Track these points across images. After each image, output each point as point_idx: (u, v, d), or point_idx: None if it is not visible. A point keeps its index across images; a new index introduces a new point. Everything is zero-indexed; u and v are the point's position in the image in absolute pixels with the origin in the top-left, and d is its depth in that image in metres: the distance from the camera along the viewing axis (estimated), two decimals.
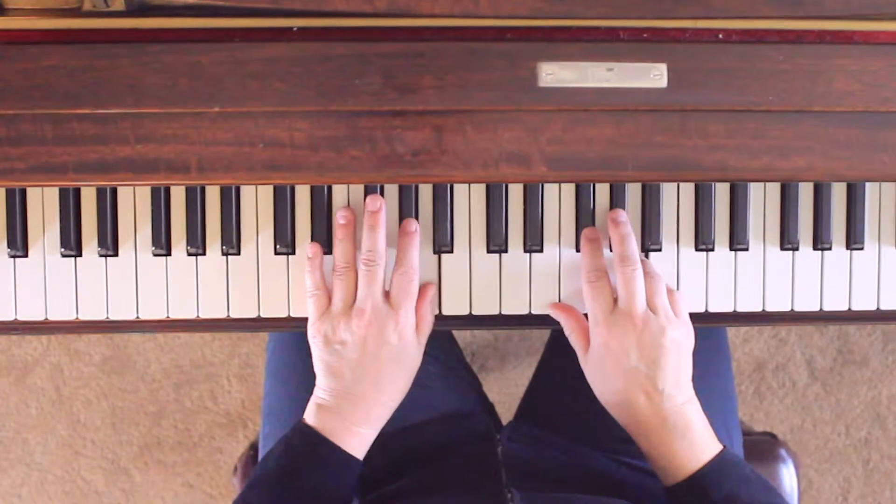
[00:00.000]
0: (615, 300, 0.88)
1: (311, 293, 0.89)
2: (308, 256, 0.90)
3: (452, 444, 1.03)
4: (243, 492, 0.86)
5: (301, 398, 1.00)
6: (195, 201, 0.91)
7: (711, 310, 0.94)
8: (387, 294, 0.89)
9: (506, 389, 1.79)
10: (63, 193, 0.91)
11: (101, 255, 0.92)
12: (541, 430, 1.05)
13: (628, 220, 0.91)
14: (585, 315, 0.91)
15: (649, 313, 0.87)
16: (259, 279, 0.92)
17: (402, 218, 0.91)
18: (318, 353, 0.88)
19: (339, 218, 0.90)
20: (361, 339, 0.86)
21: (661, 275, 0.89)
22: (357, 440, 0.87)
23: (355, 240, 0.90)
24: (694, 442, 0.86)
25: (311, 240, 0.92)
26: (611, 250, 0.91)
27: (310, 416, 0.87)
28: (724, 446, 0.88)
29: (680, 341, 0.87)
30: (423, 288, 0.91)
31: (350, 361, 0.86)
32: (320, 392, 0.88)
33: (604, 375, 0.88)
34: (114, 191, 0.91)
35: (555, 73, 0.82)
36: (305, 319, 0.91)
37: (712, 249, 0.94)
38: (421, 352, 0.90)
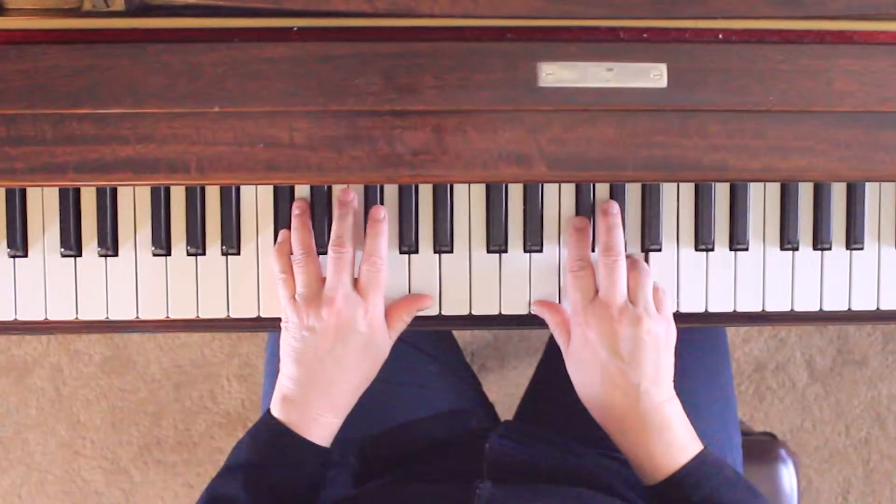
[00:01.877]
0: (598, 290, 0.88)
1: (278, 277, 0.89)
2: (279, 241, 0.91)
3: (445, 440, 1.03)
4: (213, 481, 0.86)
5: None
6: (195, 201, 0.91)
7: (711, 310, 0.94)
8: (356, 282, 0.89)
9: (505, 389, 1.79)
10: (63, 193, 0.91)
11: (100, 255, 0.92)
12: (536, 428, 1.05)
13: (618, 212, 0.91)
14: None
15: (629, 304, 0.86)
16: (259, 279, 0.92)
17: (402, 218, 0.92)
18: (286, 339, 0.88)
19: (295, 208, 0.90)
20: (330, 327, 0.86)
21: (649, 271, 0.89)
22: (322, 429, 0.87)
23: (310, 228, 0.90)
24: (671, 442, 0.85)
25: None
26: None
27: (275, 408, 0.87)
28: (705, 447, 0.87)
29: (659, 335, 0.86)
30: (422, 296, 0.91)
31: (317, 349, 0.86)
32: (285, 380, 0.87)
33: (582, 368, 0.88)
34: (114, 191, 0.91)
35: (555, 73, 0.82)
36: None
37: (712, 249, 0.94)
38: (389, 345, 0.90)
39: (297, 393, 0.87)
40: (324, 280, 0.88)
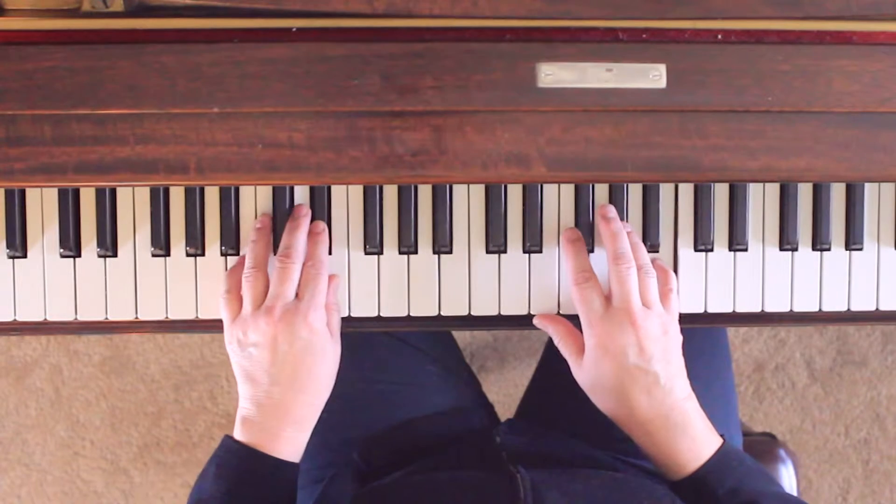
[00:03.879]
0: (606, 298, 0.88)
1: (221, 296, 0.89)
2: (236, 263, 0.90)
3: (450, 436, 1.03)
4: None
5: None
6: (194, 202, 0.91)
7: (711, 310, 0.94)
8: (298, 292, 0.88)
9: (505, 390, 1.79)
10: (62, 194, 0.91)
11: (100, 256, 0.92)
12: (538, 427, 1.05)
13: (617, 215, 0.91)
14: (569, 317, 0.91)
15: (645, 310, 0.87)
16: None
17: (401, 218, 0.92)
18: (234, 359, 0.87)
19: (257, 222, 0.90)
20: (272, 338, 0.85)
21: (653, 272, 0.89)
22: (287, 445, 0.86)
23: (269, 245, 0.90)
24: (696, 438, 0.86)
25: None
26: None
27: (237, 431, 0.86)
28: (724, 438, 0.88)
29: (674, 336, 0.87)
30: (330, 276, 0.90)
31: (264, 362, 0.85)
32: (242, 402, 0.87)
33: (601, 378, 0.87)
34: (113, 191, 0.91)
35: (554, 74, 0.82)
36: None
37: (711, 250, 0.94)
38: (337, 345, 0.89)
39: (256, 412, 0.86)
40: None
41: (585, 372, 0.89)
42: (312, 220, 0.91)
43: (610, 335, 0.86)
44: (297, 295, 0.87)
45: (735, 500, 0.84)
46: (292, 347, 0.85)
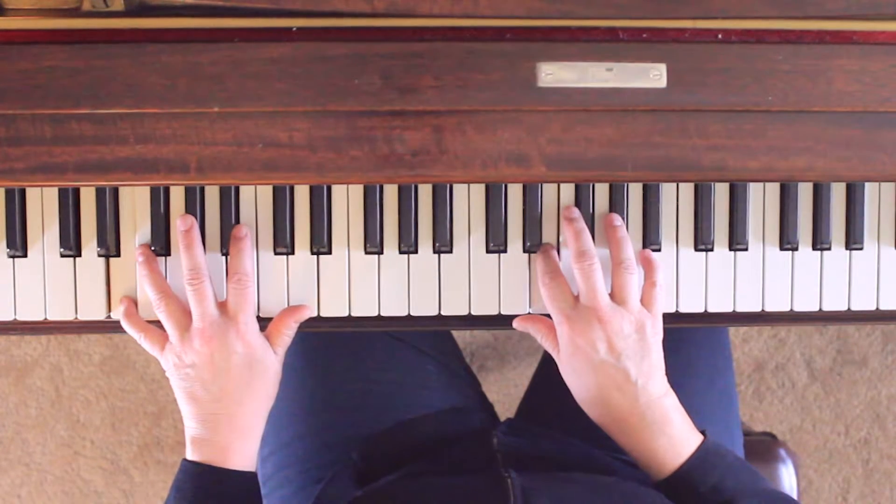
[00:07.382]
0: (577, 297, 0.88)
1: (140, 338, 0.90)
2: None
3: (449, 437, 1.03)
4: None
5: (297, 397, 1.00)
6: (194, 201, 0.91)
7: (711, 310, 0.94)
8: (224, 304, 0.88)
9: (505, 389, 1.79)
10: (62, 193, 0.91)
11: (100, 255, 0.92)
12: (538, 426, 1.05)
13: (580, 215, 0.91)
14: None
15: (613, 305, 0.87)
16: (259, 280, 0.92)
17: (401, 218, 0.92)
18: (174, 383, 0.88)
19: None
20: (208, 356, 0.86)
21: (633, 269, 0.89)
22: (239, 457, 0.87)
23: (158, 271, 0.90)
24: (674, 437, 0.86)
25: (311, 241, 0.92)
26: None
27: (189, 453, 0.87)
28: (705, 435, 0.88)
29: (647, 331, 0.87)
30: (298, 307, 0.91)
31: (204, 381, 0.86)
32: (188, 422, 0.88)
33: (576, 373, 0.88)
34: (113, 191, 0.91)
35: (554, 74, 0.82)
36: (306, 320, 0.91)
37: (712, 249, 0.94)
38: (276, 360, 0.89)
39: (203, 430, 0.86)
40: (190, 314, 0.88)
41: (563, 367, 0.89)
42: (313, 217, 0.91)
43: (578, 331, 0.86)
44: (223, 306, 0.88)
45: (716, 498, 0.84)
46: (229, 363, 0.86)
